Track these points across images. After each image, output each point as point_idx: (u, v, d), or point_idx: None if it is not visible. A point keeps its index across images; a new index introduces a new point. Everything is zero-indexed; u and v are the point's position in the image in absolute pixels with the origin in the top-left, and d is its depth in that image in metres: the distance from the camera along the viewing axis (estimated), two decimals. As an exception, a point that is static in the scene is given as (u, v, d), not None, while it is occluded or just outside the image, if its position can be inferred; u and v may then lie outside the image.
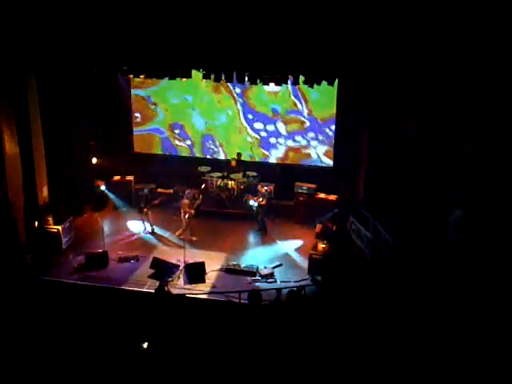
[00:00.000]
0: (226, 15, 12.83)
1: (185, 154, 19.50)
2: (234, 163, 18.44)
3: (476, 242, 10.76)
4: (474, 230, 10.95)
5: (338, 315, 10.01)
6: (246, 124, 18.77)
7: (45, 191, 15.67)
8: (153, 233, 16.57)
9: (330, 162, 18.15)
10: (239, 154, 18.53)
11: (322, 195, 17.37)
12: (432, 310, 9.93)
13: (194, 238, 15.82)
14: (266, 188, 17.19)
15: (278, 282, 13.74)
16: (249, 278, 13.91)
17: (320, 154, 18.32)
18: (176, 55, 14.02)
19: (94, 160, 18.40)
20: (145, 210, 16.52)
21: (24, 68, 14.25)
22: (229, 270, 14.23)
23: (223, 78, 14.88)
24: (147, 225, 16.64)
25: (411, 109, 13.48)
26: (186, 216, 15.88)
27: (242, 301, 11.71)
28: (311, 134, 18.28)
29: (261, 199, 16.61)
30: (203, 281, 13.73)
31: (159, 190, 18.34)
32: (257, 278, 13.95)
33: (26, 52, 13.87)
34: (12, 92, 13.96)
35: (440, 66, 11.67)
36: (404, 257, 12.01)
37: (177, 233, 16.16)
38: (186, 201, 15.94)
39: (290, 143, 18.58)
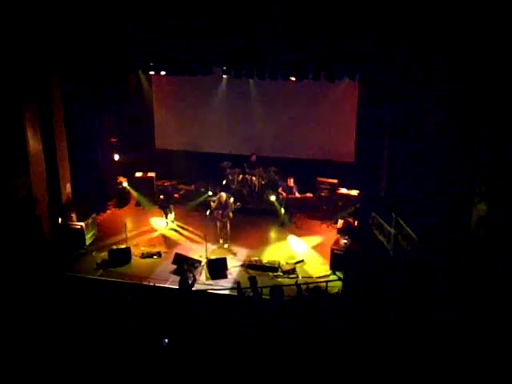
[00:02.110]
0: (246, 11, 12.81)
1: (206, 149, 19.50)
2: (254, 158, 18.45)
3: (501, 237, 10.61)
4: (499, 226, 10.80)
5: (360, 311, 9.96)
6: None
7: (68, 188, 15.84)
8: (172, 224, 16.75)
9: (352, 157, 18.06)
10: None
11: (343, 190, 17.28)
12: (455, 306, 9.83)
13: (226, 246, 15.42)
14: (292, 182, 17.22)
15: (300, 278, 13.72)
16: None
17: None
18: (196, 52, 14.05)
19: (117, 157, 18.55)
20: (166, 204, 16.64)
21: (47, 66, 14.38)
22: (250, 266, 14.23)
23: (243, 74, 14.89)
24: (169, 218, 16.79)
25: (434, 103, 13.32)
26: (218, 223, 15.46)
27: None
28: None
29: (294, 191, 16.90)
30: (225, 276, 13.78)
31: (180, 186, 18.43)
32: (278, 273, 13.93)
33: (49, 50, 14.02)
34: (35, 90, 14.10)
35: (465, 60, 11.50)
36: (427, 252, 11.90)
37: (225, 245, 15.54)
38: (213, 205, 15.57)
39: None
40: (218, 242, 15.48)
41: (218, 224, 15.41)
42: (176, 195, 17.06)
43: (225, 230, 15.42)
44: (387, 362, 8.33)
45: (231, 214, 15.40)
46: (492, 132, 10.99)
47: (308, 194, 17.28)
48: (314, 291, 10.60)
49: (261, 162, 18.46)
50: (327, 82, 14.93)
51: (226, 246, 15.35)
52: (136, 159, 18.97)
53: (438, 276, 11.13)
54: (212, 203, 15.66)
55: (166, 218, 16.84)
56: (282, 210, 17.01)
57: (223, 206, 15.27)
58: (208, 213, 15.47)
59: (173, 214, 16.97)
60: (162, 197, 16.71)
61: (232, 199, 15.69)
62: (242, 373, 8.21)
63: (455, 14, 11.26)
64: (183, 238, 16.13)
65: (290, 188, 17.00)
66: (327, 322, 9.20)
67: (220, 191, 16.14)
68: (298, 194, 17.06)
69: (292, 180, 17.07)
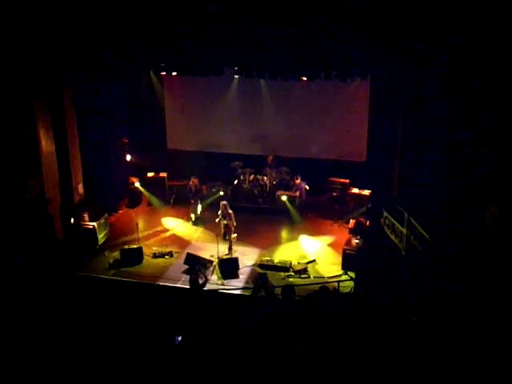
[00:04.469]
0: (256, 12, 12.81)
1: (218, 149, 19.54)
2: (270, 159, 18.47)
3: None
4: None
5: (372, 311, 9.94)
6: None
7: (80, 188, 15.92)
8: (197, 220, 17.08)
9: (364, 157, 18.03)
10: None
11: (355, 190, 17.24)
12: (468, 307, 9.77)
13: (226, 253, 14.86)
14: (298, 180, 17.28)
15: (312, 278, 13.70)
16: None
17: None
18: (208, 52, 14.06)
19: (129, 157, 18.64)
20: (192, 201, 17.04)
21: (59, 68, 14.43)
22: (262, 266, 14.21)
23: (254, 74, 14.88)
24: (194, 214, 17.10)
25: (448, 103, 13.23)
26: (222, 230, 15.19)
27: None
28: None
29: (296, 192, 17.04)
30: (236, 276, 13.79)
31: (203, 187, 18.49)
32: (290, 273, 13.92)
33: (61, 51, 14.07)
34: (48, 92, 14.18)
35: (482, 57, 11.39)
36: (439, 252, 11.83)
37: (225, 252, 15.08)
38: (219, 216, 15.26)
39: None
40: (218, 249, 14.74)
41: (222, 230, 15.20)
42: (203, 191, 17.54)
43: (228, 236, 15.12)
44: (397, 361, 8.31)
45: (234, 223, 15.03)
46: (506, 133, 10.90)
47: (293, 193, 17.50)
48: (322, 291, 10.57)
49: (275, 162, 18.52)
50: (339, 82, 14.90)
51: (226, 253, 14.88)
52: (148, 159, 19.07)
53: (451, 276, 11.06)
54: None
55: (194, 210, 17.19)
56: (293, 210, 17.05)
57: (224, 214, 15.02)
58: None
59: (196, 213, 17.24)
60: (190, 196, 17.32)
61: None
62: (251, 371, 8.22)
63: (466, 10, 11.18)
64: (195, 238, 16.17)
65: (299, 186, 17.12)
66: (338, 322, 9.19)
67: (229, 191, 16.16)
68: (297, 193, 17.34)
69: (299, 178, 17.27)
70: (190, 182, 17.45)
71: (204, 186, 18.21)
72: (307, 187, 17.44)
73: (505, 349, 8.37)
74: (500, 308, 9.32)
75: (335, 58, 13.61)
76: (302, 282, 13.23)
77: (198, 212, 17.21)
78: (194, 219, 17.09)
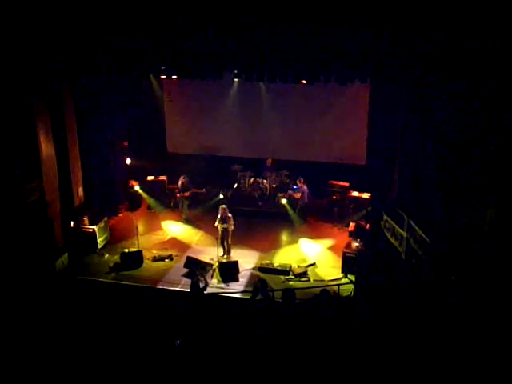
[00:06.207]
0: (256, 14, 12.81)
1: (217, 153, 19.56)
2: (269, 162, 18.48)
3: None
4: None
5: (372, 314, 9.93)
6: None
7: (80, 192, 15.93)
8: (186, 220, 17.40)
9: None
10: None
11: (355, 193, 17.24)
12: (468, 311, 9.76)
13: (226, 257, 14.90)
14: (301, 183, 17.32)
15: (312, 281, 13.69)
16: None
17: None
18: (207, 56, 14.06)
19: (128, 161, 18.64)
20: (178, 195, 17.40)
21: (59, 71, 14.44)
22: (262, 269, 14.20)
23: (254, 77, 14.88)
24: (184, 212, 17.40)
25: (447, 105, 13.23)
26: (219, 234, 14.88)
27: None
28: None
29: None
30: (236, 280, 13.77)
31: (193, 189, 18.50)
32: (290, 276, 13.90)
33: (61, 55, 14.07)
34: (48, 95, 14.19)
35: (483, 60, 11.38)
36: (439, 255, 11.82)
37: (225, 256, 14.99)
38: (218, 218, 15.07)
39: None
40: (218, 253, 14.78)
41: (220, 234, 14.89)
42: (186, 194, 17.43)
43: (226, 241, 14.98)
44: (398, 364, 8.31)
45: (232, 227, 14.93)
46: (506, 134, 10.91)
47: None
48: (322, 294, 10.55)
49: (274, 165, 18.53)
50: (338, 85, 14.90)
51: (225, 257, 14.92)
52: (148, 163, 19.08)
53: (451, 279, 11.06)
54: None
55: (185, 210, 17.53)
56: (294, 213, 17.05)
57: (224, 218, 14.86)
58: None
59: (185, 211, 17.53)
60: (177, 190, 17.60)
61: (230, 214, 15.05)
62: (251, 374, 8.21)
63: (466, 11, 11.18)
64: (195, 241, 16.16)
65: (301, 188, 17.16)
66: (338, 325, 9.18)
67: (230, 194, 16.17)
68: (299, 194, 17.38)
69: (302, 181, 17.28)
70: (179, 182, 17.58)
71: (203, 189, 18.25)
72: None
73: (506, 349, 8.37)
74: (501, 309, 9.32)
75: (335, 62, 13.61)
76: (302, 286, 13.23)
77: (184, 215, 17.49)
78: (184, 217, 17.50)
